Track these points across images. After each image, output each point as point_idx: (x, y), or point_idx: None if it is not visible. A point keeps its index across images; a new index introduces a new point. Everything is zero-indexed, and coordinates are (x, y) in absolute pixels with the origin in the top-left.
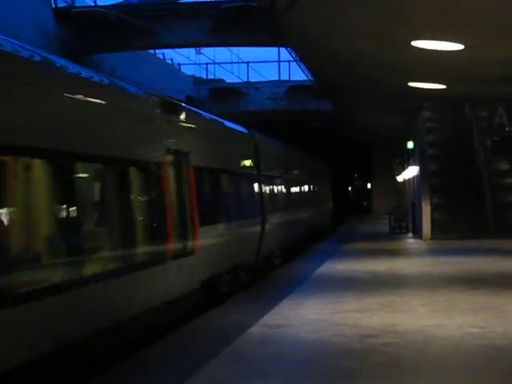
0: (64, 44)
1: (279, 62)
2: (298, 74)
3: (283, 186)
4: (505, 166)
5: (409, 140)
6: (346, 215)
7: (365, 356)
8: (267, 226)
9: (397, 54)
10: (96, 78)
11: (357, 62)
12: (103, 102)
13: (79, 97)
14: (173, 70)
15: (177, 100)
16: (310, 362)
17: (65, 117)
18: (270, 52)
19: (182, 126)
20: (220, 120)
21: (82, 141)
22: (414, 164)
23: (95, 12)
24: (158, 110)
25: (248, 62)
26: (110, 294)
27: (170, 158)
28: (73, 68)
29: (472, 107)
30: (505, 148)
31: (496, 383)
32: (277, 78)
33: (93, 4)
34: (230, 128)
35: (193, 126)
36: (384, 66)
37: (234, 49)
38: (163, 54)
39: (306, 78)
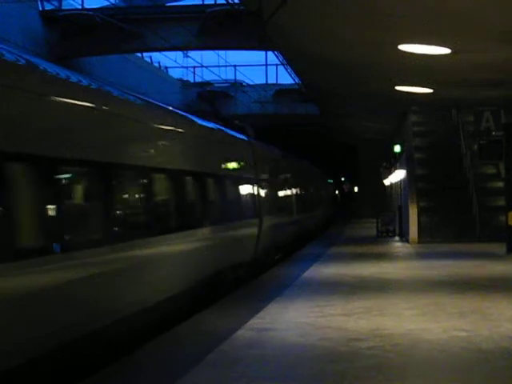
0: (51, 47)
1: (266, 65)
2: (285, 77)
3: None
4: (491, 170)
5: (396, 144)
6: (335, 219)
7: (351, 359)
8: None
9: (384, 57)
10: None
11: (344, 65)
12: None
13: None
14: (160, 74)
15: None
16: (297, 365)
17: None
18: (258, 55)
19: None
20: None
21: None
22: (401, 168)
23: (82, 15)
24: None
25: (235, 66)
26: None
27: None
28: None
29: (459, 111)
30: (491, 152)
31: None
32: (264, 82)
33: (80, 7)
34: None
35: None
36: (371, 70)
37: (222, 52)
38: (150, 57)
39: (293, 81)
